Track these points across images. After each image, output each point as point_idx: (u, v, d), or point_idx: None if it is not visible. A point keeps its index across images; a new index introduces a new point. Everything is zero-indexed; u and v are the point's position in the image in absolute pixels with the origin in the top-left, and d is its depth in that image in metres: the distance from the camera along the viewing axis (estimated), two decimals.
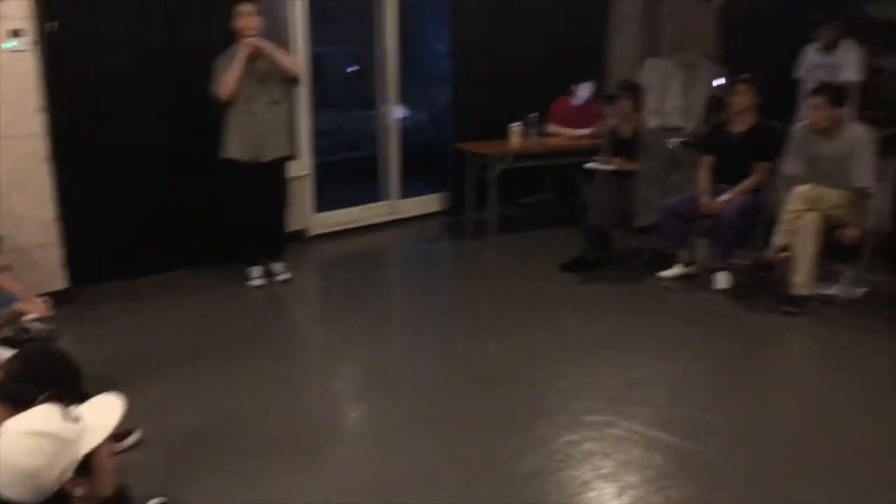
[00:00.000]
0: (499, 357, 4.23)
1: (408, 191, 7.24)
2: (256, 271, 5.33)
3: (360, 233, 6.74)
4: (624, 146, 5.64)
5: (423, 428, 3.50)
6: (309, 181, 6.32)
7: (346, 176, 8.11)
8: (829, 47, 6.14)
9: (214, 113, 5.02)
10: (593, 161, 5.83)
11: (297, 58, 5.79)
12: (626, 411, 3.55)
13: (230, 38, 4.98)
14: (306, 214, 6.32)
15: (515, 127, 6.61)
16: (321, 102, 6.92)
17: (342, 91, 10.30)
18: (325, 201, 6.63)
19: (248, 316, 4.90)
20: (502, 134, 6.68)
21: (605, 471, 3.07)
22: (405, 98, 7.23)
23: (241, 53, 4.89)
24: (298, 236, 6.16)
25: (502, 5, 7.19)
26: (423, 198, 7.36)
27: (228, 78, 4.88)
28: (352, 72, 10.38)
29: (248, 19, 4.95)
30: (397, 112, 7.09)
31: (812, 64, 6.25)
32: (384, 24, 6.76)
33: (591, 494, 2.92)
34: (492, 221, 6.59)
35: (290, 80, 5.15)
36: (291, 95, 5.41)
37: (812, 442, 3.34)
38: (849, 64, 6.06)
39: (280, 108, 5.13)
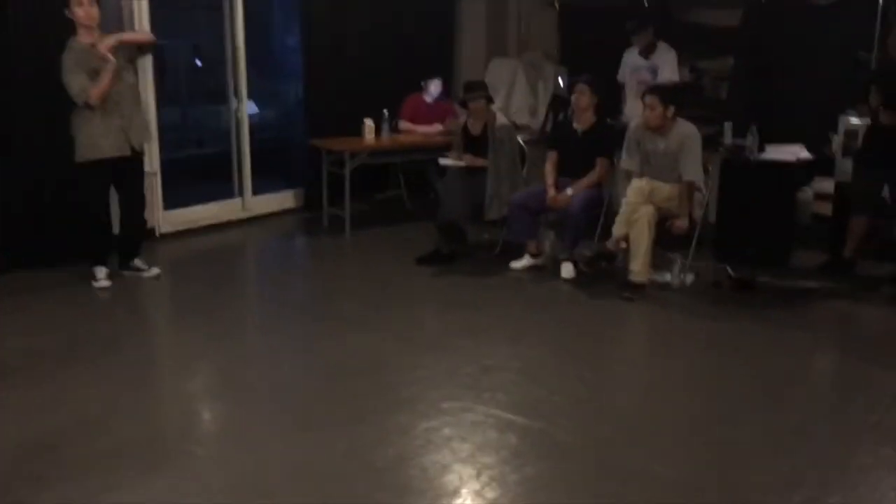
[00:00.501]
0: (357, 351, 4.28)
1: (261, 188, 7.16)
2: (102, 272, 5.14)
3: (213, 231, 6.61)
4: (475, 143, 5.83)
5: (284, 424, 3.51)
6: (157, 177, 6.12)
7: (196, 173, 7.91)
8: (647, 51, 6.56)
9: (56, 111, 4.81)
10: (445, 157, 5.99)
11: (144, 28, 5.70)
12: (482, 397, 3.70)
13: (65, 29, 4.77)
14: (155, 212, 6.13)
15: (369, 123, 6.68)
16: (166, 97, 6.73)
17: (187, 86, 10.00)
18: (174, 199, 6.45)
19: (97, 317, 4.72)
20: (355, 130, 6.73)
21: (463, 454, 3.20)
22: (255, 93, 7.13)
23: (105, 70, 4.71)
24: (148, 235, 5.96)
25: (352, 2, 7.23)
26: (277, 195, 7.29)
27: (98, 90, 4.74)
28: (197, 65, 10.09)
29: (87, 10, 4.75)
30: (248, 107, 6.98)
31: (632, 67, 6.66)
32: (233, 18, 6.63)
33: (452, 477, 3.04)
34: (347, 217, 6.63)
35: (148, 47, 5.16)
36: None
37: (651, 414, 3.62)
38: (665, 65, 6.49)
39: (136, 91, 5.08)
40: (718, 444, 3.31)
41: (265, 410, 3.65)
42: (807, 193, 6.18)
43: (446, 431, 3.38)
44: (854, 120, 5.59)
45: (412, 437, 3.32)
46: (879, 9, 6.23)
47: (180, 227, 6.40)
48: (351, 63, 7.27)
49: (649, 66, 6.53)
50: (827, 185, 5.97)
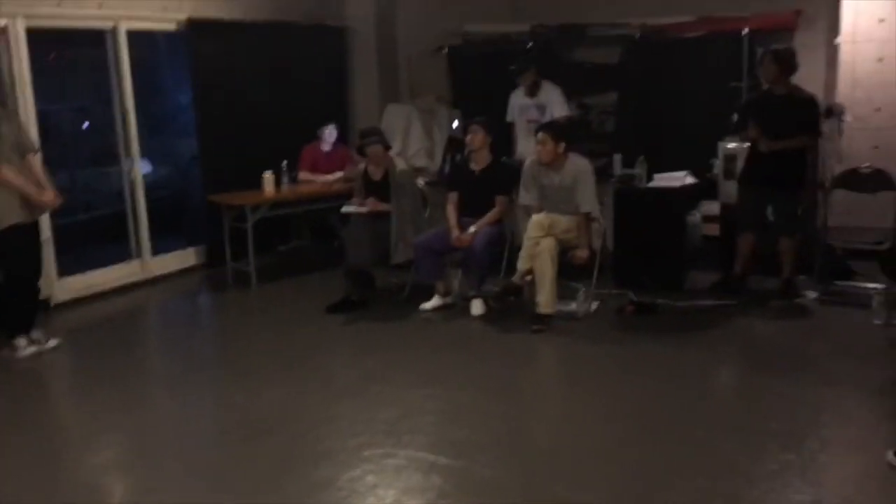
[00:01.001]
0: (272, 405, 4.22)
1: (160, 247, 6.99)
2: (24, 341, 5.00)
3: (113, 295, 6.40)
4: (376, 188, 5.89)
5: (202, 487, 3.43)
6: (49, 244, 5.90)
7: (90, 236, 7.66)
8: (532, 90, 6.79)
9: None
10: (348, 204, 6.02)
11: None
12: (402, 441, 3.71)
13: None
14: (49, 280, 5.89)
15: (268, 176, 6.65)
16: (52, 161, 6.52)
17: (74, 149, 9.71)
18: (68, 265, 6.23)
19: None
20: (253, 184, 6.69)
21: (389, 500, 3.20)
22: (148, 152, 7.00)
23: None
24: (43, 305, 5.72)
25: (243, 55, 7.23)
26: (177, 253, 7.13)
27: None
28: (84, 128, 9.82)
29: None
30: (141, 167, 6.84)
31: (520, 107, 6.85)
32: (120, 78, 6.52)
33: None
34: (252, 271, 6.55)
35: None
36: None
37: (569, 444, 3.71)
38: (553, 103, 6.71)
39: (35, 158, 4.98)
40: (634, 467, 3.42)
41: (180, 477, 3.54)
42: (695, 217, 6.50)
43: (370, 479, 3.37)
44: (731, 145, 5.94)
45: (336, 489, 3.30)
46: (744, 40, 6.68)
47: (77, 295, 6.17)
48: (245, 117, 7.23)
49: (536, 104, 6.74)
50: (713, 207, 6.30)
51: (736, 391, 4.52)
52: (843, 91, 6.44)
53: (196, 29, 6.83)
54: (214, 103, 7.05)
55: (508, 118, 6.89)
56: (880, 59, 6.33)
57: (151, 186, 7.15)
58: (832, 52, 6.59)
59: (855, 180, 5.70)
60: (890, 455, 3.20)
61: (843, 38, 6.44)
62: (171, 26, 6.85)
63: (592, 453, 3.60)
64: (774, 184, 5.47)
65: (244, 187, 6.76)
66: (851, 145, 6.32)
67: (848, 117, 6.18)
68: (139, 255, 6.81)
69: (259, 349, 5.24)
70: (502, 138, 6.27)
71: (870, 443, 3.60)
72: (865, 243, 5.50)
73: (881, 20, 6.28)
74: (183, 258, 7.14)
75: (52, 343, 5.15)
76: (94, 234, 7.70)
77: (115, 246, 6.95)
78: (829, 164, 6.11)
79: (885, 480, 3.25)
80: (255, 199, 6.54)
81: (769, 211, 5.61)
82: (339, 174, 7.02)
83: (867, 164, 5.72)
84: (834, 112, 6.02)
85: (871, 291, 5.35)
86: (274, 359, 4.97)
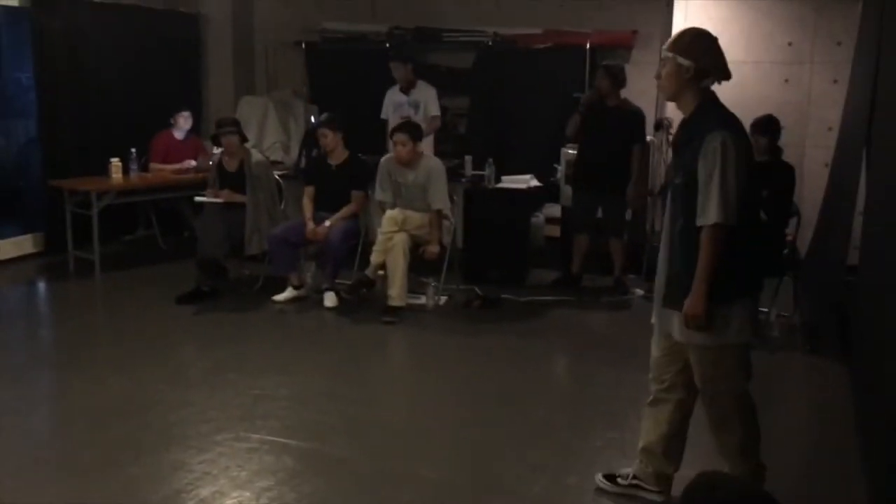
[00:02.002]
0: (120, 394, 4.17)
1: None
2: None
3: None
4: (231, 179, 5.89)
5: (46, 472, 3.38)
6: None
7: None
8: (407, 87, 6.94)
9: None
10: (202, 195, 5.98)
11: None
12: (255, 425, 3.79)
13: None
14: None
15: (115, 162, 6.48)
16: None
17: None
18: None
19: None
20: (99, 170, 6.50)
21: (241, 480, 3.28)
22: None
23: None
24: None
25: (92, 36, 7.00)
26: (14, 239, 6.81)
27: None
28: None
29: None
30: None
31: (395, 104, 6.96)
32: None
33: (231, 502, 3.12)
34: (97, 260, 6.35)
35: None
36: None
37: (416, 424, 3.93)
38: (427, 101, 6.87)
39: None
40: (474, 444, 3.68)
41: (25, 462, 3.46)
42: (539, 218, 6.91)
43: (222, 462, 3.43)
44: (572, 151, 6.37)
45: (188, 471, 3.35)
46: (587, 54, 7.17)
47: None
48: (92, 100, 7.01)
49: (411, 101, 6.86)
50: (555, 210, 6.73)
51: (570, 376, 4.90)
52: (672, 106, 7.03)
53: (40, 6, 6.56)
54: (59, 84, 6.79)
55: (383, 115, 6.91)
56: None
57: None
58: None
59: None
60: (598, 477, 3.26)
61: None
62: (13, 1, 6.53)
63: (438, 432, 3.83)
64: (602, 188, 5.94)
65: (88, 173, 6.55)
66: None
67: (674, 130, 6.76)
68: None
69: (104, 339, 5.14)
70: (364, 135, 6.35)
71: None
72: None
73: None
74: (19, 245, 6.83)
75: None
76: None
77: None
78: (657, 173, 6.68)
79: (691, 452, 3.67)
80: (103, 185, 6.36)
81: (599, 213, 6.08)
82: (191, 163, 6.93)
83: None
84: (662, 125, 6.58)
85: None
86: (120, 349, 4.89)
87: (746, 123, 5.21)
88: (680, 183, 2.83)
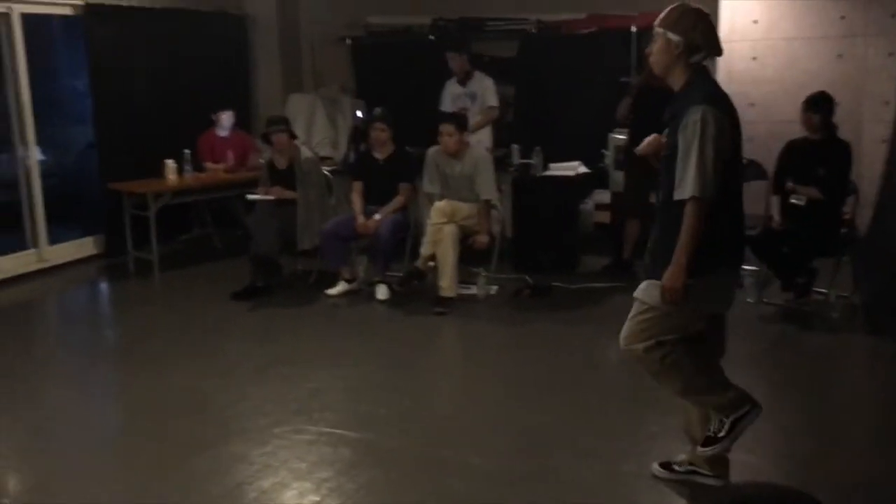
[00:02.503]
0: (182, 388, 4.29)
1: (57, 236, 6.86)
2: None
3: (8, 285, 6.26)
4: (282, 176, 5.98)
5: (112, 467, 3.51)
6: None
7: None
8: (464, 79, 6.90)
9: None
10: (254, 192, 6.08)
11: None
12: (312, 418, 3.87)
13: None
14: None
15: (170, 163, 6.63)
16: None
17: None
18: None
19: None
20: (153, 171, 6.67)
21: (300, 472, 3.35)
22: (41, 139, 6.83)
23: None
24: None
25: (143, 42, 7.16)
26: (76, 242, 7.03)
27: None
28: None
29: None
30: (36, 154, 6.69)
31: (453, 96, 6.93)
32: (15, 64, 6.36)
33: (292, 493, 3.19)
34: (155, 259, 6.52)
35: None
36: None
37: (469, 413, 3.96)
38: (485, 91, 6.83)
39: None
40: (527, 433, 3.69)
41: (90, 457, 3.60)
42: (588, 205, 6.86)
43: (282, 454, 3.51)
44: (620, 136, 6.30)
45: (248, 464, 3.43)
46: (633, 37, 7.07)
47: None
48: (144, 104, 7.17)
49: (468, 92, 6.85)
50: (604, 196, 6.67)
51: (622, 362, 4.83)
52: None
53: (93, 14, 6.73)
54: (112, 89, 6.95)
55: (441, 107, 6.88)
56: (754, 58, 6.83)
57: (45, 174, 7.00)
58: None
59: None
60: (654, 466, 3.24)
61: (722, 37, 6.89)
62: (67, 11, 6.72)
63: (491, 421, 3.85)
64: (654, 172, 5.84)
65: (143, 175, 6.72)
66: None
67: None
68: (35, 244, 6.67)
69: (164, 336, 5.26)
70: (411, 128, 6.36)
71: None
72: None
73: (755, 21, 6.77)
74: (81, 247, 7.04)
75: None
76: None
77: (8, 235, 6.79)
78: None
79: (749, 437, 3.62)
80: (158, 186, 6.51)
81: (654, 199, 5.99)
82: (230, 156, 7.03)
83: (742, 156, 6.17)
84: None
85: (744, 272, 5.80)
86: (179, 345, 5.01)
87: (799, 101, 5.18)
88: (666, 156, 2.85)
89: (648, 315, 2.93)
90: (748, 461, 3.29)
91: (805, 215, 5.10)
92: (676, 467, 3.20)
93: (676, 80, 2.88)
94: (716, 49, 2.85)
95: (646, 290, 2.93)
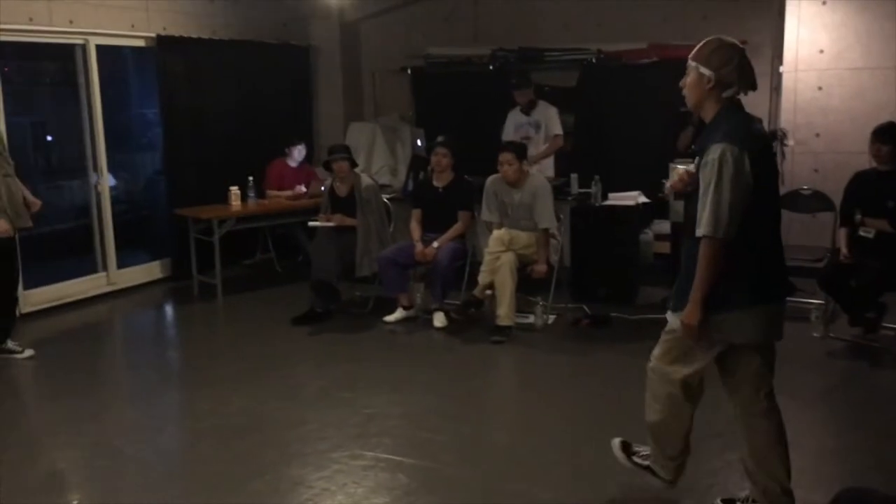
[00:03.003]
0: (241, 412, 4.36)
1: (125, 260, 7.07)
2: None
3: (79, 307, 6.48)
4: (342, 204, 6.07)
5: (175, 490, 3.56)
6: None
7: (53, 250, 7.69)
8: (528, 108, 6.96)
9: None
10: (315, 219, 6.19)
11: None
12: (369, 443, 3.89)
13: None
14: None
15: (234, 190, 6.79)
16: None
17: (36, 162, 9.69)
18: (33, 277, 6.28)
19: None
20: (218, 198, 6.84)
21: (358, 497, 3.37)
22: (111, 166, 7.07)
23: None
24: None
25: (211, 72, 7.38)
26: (143, 266, 7.24)
27: None
28: (48, 141, 9.81)
29: None
30: (107, 180, 6.93)
31: (516, 125, 6.99)
32: (90, 92, 6.62)
33: None
34: (219, 283, 6.67)
35: None
36: None
37: (529, 444, 3.92)
38: (549, 121, 6.89)
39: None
40: (588, 465, 3.64)
41: (153, 479, 3.67)
42: (648, 235, 6.80)
43: (340, 479, 3.54)
44: (682, 167, 6.22)
45: (307, 487, 3.46)
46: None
47: (43, 306, 6.24)
48: (211, 132, 7.38)
49: (532, 122, 6.91)
50: (664, 226, 6.60)
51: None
52: (786, 117, 6.82)
53: (165, 45, 6.98)
54: (181, 119, 7.18)
55: (504, 136, 6.92)
56: (820, 88, 6.72)
57: (115, 200, 7.24)
58: (777, 79, 6.97)
59: (796, 201, 6.04)
60: (717, 502, 3.23)
61: (787, 67, 6.81)
62: (140, 42, 6.98)
63: (550, 452, 3.81)
64: None
65: (208, 202, 6.90)
66: (794, 168, 6.70)
67: (790, 142, 6.56)
68: (105, 267, 6.89)
69: (226, 359, 5.36)
70: (469, 157, 6.40)
71: (805, 444, 3.88)
72: (806, 261, 5.82)
73: (821, 51, 6.67)
74: (148, 271, 7.24)
75: (28, 353, 5.23)
76: (58, 247, 7.73)
77: (80, 258, 7.02)
78: None
79: (815, 477, 3.52)
80: (223, 212, 6.67)
81: None
82: (301, 188, 7.19)
83: (807, 186, 6.07)
84: (777, 136, 6.38)
85: (810, 306, 5.67)
86: (241, 368, 5.09)
87: (866, 131, 5.07)
88: (694, 191, 2.86)
89: (672, 335, 3.01)
90: (815, 501, 3.19)
91: (873, 248, 4.96)
92: (740, 503, 3.13)
93: (707, 114, 2.88)
94: (749, 84, 2.84)
95: (671, 320, 2.99)
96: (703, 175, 2.74)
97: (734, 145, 2.69)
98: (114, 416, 4.44)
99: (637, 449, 3.33)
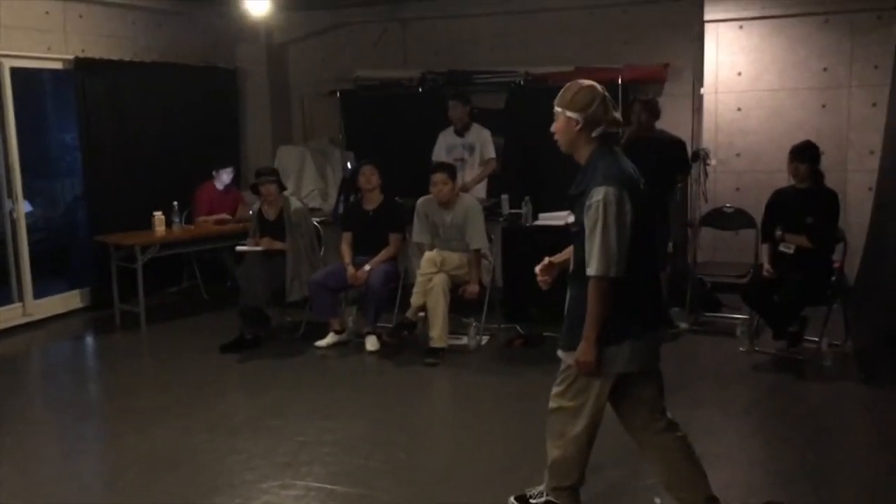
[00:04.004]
0: (166, 443, 4.20)
1: (43, 289, 6.79)
2: None
3: None
4: (271, 227, 5.96)
5: None
6: None
7: None
8: (462, 130, 6.92)
9: None
10: (243, 244, 6.06)
11: None
12: (300, 472, 3.78)
13: None
14: None
15: (158, 215, 6.61)
16: None
17: None
18: None
19: None
20: (142, 224, 6.65)
21: None
22: (27, 193, 6.81)
23: None
24: None
25: (133, 95, 7.20)
26: (62, 295, 6.96)
27: None
28: None
29: None
30: (23, 207, 6.65)
31: (448, 146, 6.93)
32: (4, 118, 6.37)
33: None
34: (142, 312, 6.45)
35: None
36: None
37: (464, 466, 3.87)
38: (483, 143, 6.86)
39: None
40: (524, 486, 3.60)
41: None
42: None
43: None
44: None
45: None
46: (619, 89, 7.16)
47: None
48: (134, 156, 7.19)
49: (466, 143, 6.87)
50: None
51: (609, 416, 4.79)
52: (708, 137, 7.01)
53: (83, 68, 6.78)
54: (102, 143, 6.98)
55: (434, 157, 6.87)
56: (739, 109, 6.93)
57: (32, 227, 6.97)
58: (698, 101, 7.16)
59: (719, 219, 6.20)
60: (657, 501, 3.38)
61: (707, 90, 7.01)
62: (57, 65, 6.76)
63: (484, 475, 3.77)
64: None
65: (132, 227, 6.70)
66: (716, 187, 6.88)
67: (712, 161, 6.73)
68: (21, 297, 6.60)
69: (150, 390, 5.18)
70: (400, 180, 6.36)
71: (734, 456, 3.94)
72: (730, 277, 5.96)
73: (739, 73, 6.89)
74: (67, 301, 6.97)
75: None
76: None
77: None
78: (696, 204, 6.62)
79: (746, 488, 3.57)
80: (146, 238, 6.48)
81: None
82: (225, 216, 7.05)
83: (730, 205, 6.23)
84: (699, 156, 6.54)
85: (735, 321, 5.80)
86: (167, 398, 4.92)
87: (786, 150, 5.24)
88: (576, 232, 2.96)
89: (568, 372, 3.04)
90: None
91: (794, 263, 5.11)
92: None
93: (581, 156, 2.98)
94: (614, 122, 2.94)
95: (564, 358, 3.03)
96: (588, 217, 2.83)
97: (613, 186, 2.81)
98: (30, 454, 4.21)
99: (530, 492, 3.33)
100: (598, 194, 2.79)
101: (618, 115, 2.95)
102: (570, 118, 2.93)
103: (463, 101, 6.84)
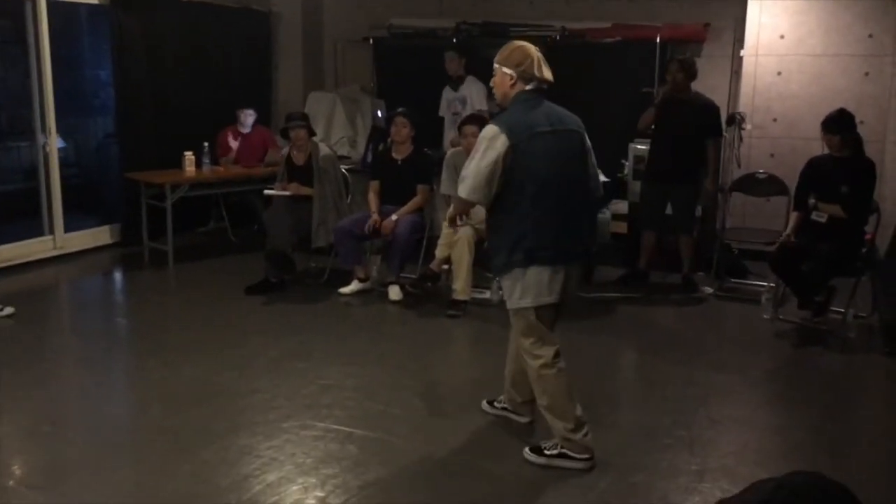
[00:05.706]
0: (192, 380, 4.29)
1: (74, 223, 6.88)
2: None
3: (23, 270, 6.28)
4: (299, 172, 5.97)
5: (121, 456, 3.50)
6: None
7: None
8: (457, 83, 6.92)
9: None
10: (270, 188, 6.08)
11: None
12: (321, 414, 3.85)
13: None
14: None
15: (189, 155, 6.65)
16: None
17: None
18: None
19: None
20: (172, 163, 6.68)
21: (306, 467, 3.34)
22: (61, 128, 6.86)
23: None
24: None
25: (167, 34, 7.19)
26: (92, 230, 7.05)
27: None
28: None
29: None
30: (56, 142, 6.71)
31: (448, 100, 6.99)
32: (40, 52, 6.39)
33: (296, 488, 3.17)
34: (170, 251, 6.53)
35: None
36: None
37: (480, 419, 3.90)
38: (473, 96, 6.84)
39: None
40: (537, 438, 3.65)
41: (100, 444, 3.60)
42: (606, 214, 6.82)
43: (289, 448, 3.50)
44: (641, 147, 6.26)
45: (255, 457, 3.41)
46: (657, 48, 7.04)
47: None
48: (166, 96, 7.19)
49: (459, 97, 6.88)
50: (622, 206, 6.63)
51: (636, 373, 4.83)
52: (745, 101, 6.87)
53: (120, 4, 6.76)
54: (135, 80, 6.98)
55: (441, 113, 6.91)
56: (779, 73, 6.78)
57: (64, 163, 7.03)
58: (737, 63, 7.01)
59: (751, 185, 6.12)
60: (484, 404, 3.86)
61: (747, 52, 6.86)
62: (94, 0, 6.75)
63: (502, 426, 3.81)
64: (672, 183, 5.83)
65: (163, 166, 6.74)
66: (750, 152, 6.77)
67: (748, 125, 6.62)
68: (52, 230, 6.70)
69: (177, 327, 5.28)
70: (428, 131, 6.35)
71: (751, 421, 3.95)
72: (758, 244, 5.91)
73: (781, 36, 6.72)
74: (97, 236, 7.06)
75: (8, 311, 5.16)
76: (3, 209, 7.51)
77: (25, 221, 6.81)
78: (728, 169, 6.53)
79: (760, 452, 3.59)
80: (176, 177, 6.53)
81: (668, 209, 5.97)
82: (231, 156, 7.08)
83: (763, 171, 6.14)
84: (735, 120, 6.43)
85: (761, 289, 5.76)
86: (193, 336, 5.01)
87: (824, 117, 5.13)
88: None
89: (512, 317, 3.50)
90: (759, 475, 3.24)
91: (826, 233, 5.04)
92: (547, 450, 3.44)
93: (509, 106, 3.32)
94: (545, 79, 3.28)
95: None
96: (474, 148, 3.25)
97: (498, 125, 3.19)
98: (59, 382, 4.33)
99: (545, 444, 3.45)
100: (485, 130, 3.25)
101: (548, 73, 3.27)
102: (505, 73, 3.29)
103: (459, 52, 6.80)
